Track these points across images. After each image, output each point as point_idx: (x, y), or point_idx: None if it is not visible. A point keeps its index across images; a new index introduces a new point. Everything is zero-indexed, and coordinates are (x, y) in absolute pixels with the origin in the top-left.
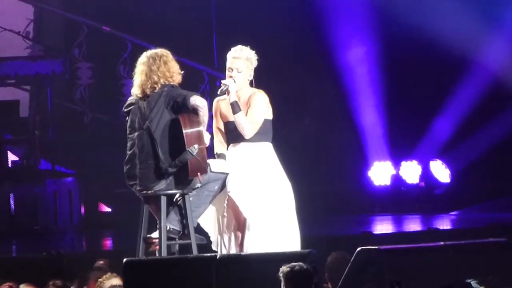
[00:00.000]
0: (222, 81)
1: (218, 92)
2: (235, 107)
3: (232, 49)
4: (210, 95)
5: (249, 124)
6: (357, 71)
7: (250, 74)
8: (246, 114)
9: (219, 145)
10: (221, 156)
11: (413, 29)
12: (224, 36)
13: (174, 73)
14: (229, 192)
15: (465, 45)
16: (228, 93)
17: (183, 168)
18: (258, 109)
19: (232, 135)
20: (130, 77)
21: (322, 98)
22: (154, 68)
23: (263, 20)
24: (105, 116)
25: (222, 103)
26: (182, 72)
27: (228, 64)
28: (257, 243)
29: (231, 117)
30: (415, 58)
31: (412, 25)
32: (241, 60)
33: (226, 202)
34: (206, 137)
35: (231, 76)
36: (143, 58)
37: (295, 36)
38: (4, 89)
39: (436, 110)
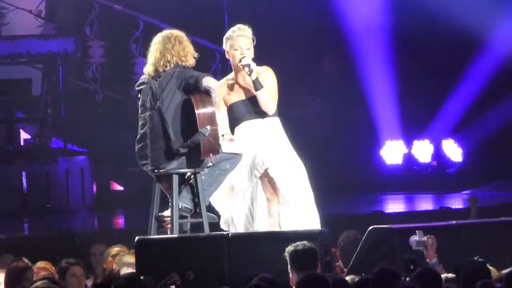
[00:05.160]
0: (243, 63)
1: (248, 72)
2: (257, 85)
3: (232, 29)
4: (222, 73)
5: (271, 100)
6: (369, 49)
7: (252, 52)
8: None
9: (222, 127)
10: (227, 135)
11: (426, 7)
12: (235, 15)
13: (188, 54)
14: (267, 168)
15: (478, 24)
16: (251, 73)
17: (195, 148)
18: (274, 85)
19: (242, 113)
20: (142, 55)
21: (333, 77)
22: (169, 47)
23: None
24: (117, 94)
25: (223, 87)
26: (197, 54)
27: (234, 43)
28: (292, 219)
29: (238, 97)
30: (428, 37)
31: (425, 3)
32: (248, 38)
33: (257, 179)
34: (219, 118)
35: (242, 54)
36: (158, 37)
37: (306, 14)
38: (16, 67)
39: (449, 89)
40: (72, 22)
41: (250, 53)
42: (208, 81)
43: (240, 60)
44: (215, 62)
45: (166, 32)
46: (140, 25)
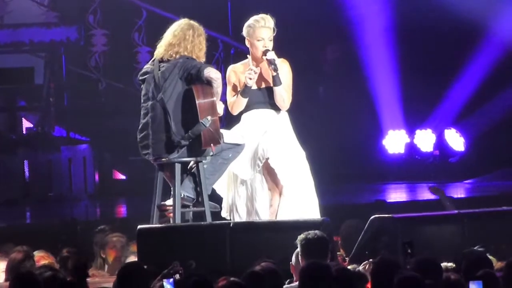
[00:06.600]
0: (269, 57)
1: (273, 68)
2: (277, 81)
3: (256, 18)
4: (224, 62)
5: (287, 97)
6: (372, 39)
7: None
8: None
9: (236, 109)
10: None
11: None
12: (238, 3)
13: (200, 57)
14: (268, 158)
15: (480, 13)
16: (276, 70)
17: (196, 138)
18: (290, 81)
19: (253, 102)
20: (145, 44)
21: (335, 67)
22: (188, 38)
23: None
24: (120, 83)
25: (237, 71)
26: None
27: (257, 34)
28: (290, 210)
29: (253, 86)
30: (429, 25)
31: None
32: (270, 30)
33: (260, 169)
34: (220, 107)
35: (265, 46)
36: (185, 23)
37: (309, 3)
38: (18, 55)
39: (451, 78)
40: (75, 10)
41: (271, 44)
42: (209, 72)
43: (264, 54)
44: (218, 51)
45: (193, 23)
46: (143, 14)
